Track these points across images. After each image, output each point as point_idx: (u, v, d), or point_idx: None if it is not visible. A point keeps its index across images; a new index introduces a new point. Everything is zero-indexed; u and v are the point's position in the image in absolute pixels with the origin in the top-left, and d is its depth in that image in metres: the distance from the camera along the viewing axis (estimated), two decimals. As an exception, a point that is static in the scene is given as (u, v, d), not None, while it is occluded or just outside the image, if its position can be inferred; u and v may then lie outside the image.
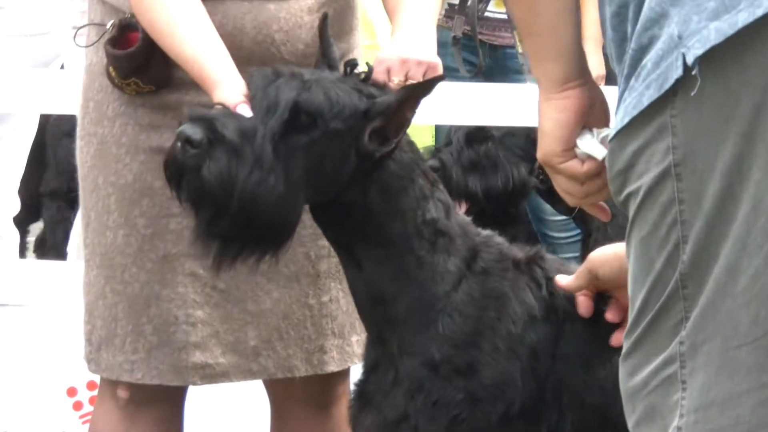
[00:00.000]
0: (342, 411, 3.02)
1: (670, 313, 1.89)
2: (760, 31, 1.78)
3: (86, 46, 2.98)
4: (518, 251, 2.78)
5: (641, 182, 1.89)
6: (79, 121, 3.00)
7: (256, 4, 2.85)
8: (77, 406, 3.85)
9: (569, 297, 2.79)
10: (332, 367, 2.97)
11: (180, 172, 2.47)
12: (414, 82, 2.72)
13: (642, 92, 1.87)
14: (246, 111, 2.48)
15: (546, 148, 2.12)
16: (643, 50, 1.90)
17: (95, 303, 2.87)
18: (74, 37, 3.14)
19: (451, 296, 2.66)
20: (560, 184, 2.19)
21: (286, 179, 2.49)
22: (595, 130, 2.08)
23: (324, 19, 2.76)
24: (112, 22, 2.80)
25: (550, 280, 2.81)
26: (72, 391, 3.83)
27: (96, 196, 2.88)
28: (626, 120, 1.86)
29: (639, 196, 1.91)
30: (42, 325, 3.89)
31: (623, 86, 1.91)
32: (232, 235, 2.52)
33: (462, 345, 2.69)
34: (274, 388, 3.05)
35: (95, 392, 3.32)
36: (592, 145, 2.08)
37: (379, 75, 2.70)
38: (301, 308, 2.93)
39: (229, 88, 2.60)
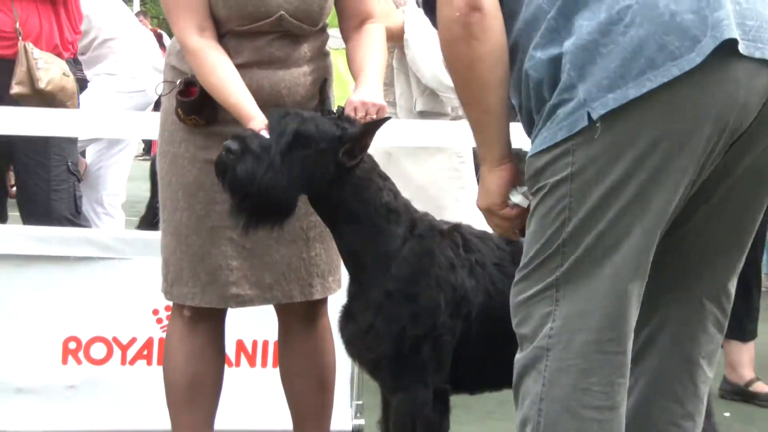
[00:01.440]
0: (324, 323, 3.84)
1: (552, 260, 2.59)
2: (642, 100, 2.42)
3: (163, 95, 3.69)
4: (443, 224, 3.55)
5: (547, 181, 2.55)
6: (158, 143, 3.76)
7: (270, 71, 3.50)
8: (159, 321, 4.53)
9: (476, 251, 3.50)
10: (317, 296, 3.72)
11: (223, 169, 3.22)
12: (370, 119, 3.38)
13: (556, 131, 2.51)
14: (266, 134, 3.21)
15: (489, 201, 2.77)
16: (556, 106, 2.50)
17: (169, 257, 3.64)
18: (155, 88, 3.66)
19: (399, 251, 3.40)
20: (494, 222, 2.84)
21: (289, 177, 3.20)
22: (518, 188, 2.71)
23: (323, 83, 3.58)
24: (180, 80, 3.53)
25: (465, 241, 3.50)
26: (155, 312, 4.53)
27: (170, 191, 3.62)
28: (544, 145, 2.53)
29: (545, 189, 2.56)
30: (138, 271, 4.54)
31: (540, 126, 2.55)
32: (253, 211, 3.23)
33: (407, 282, 3.39)
34: (281, 309, 3.81)
35: (169, 312, 3.93)
36: (519, 198, 2.70)
37: (349, 113, 3.40)
38: (298, 260, 3.66)
39: (256, 121, 3.28)
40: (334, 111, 3.44)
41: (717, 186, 2.68)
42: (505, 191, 2.74)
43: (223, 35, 3.50)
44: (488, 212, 2.81)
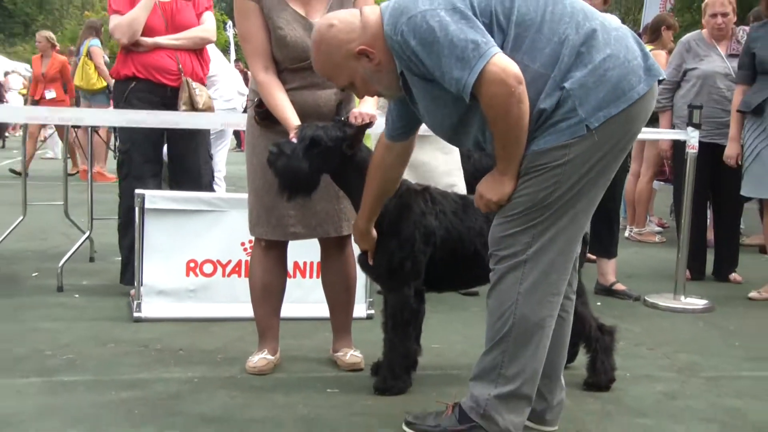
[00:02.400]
0: (349, 249, 3.85)
1: (537, 210, 2.71)
2: (618, 114, 2.64)
3: (247, 107, 3.76)
4: (418, 186, 3.51)
5: (547, 164, 2.67)
6: (245, 138, 3.76)
7: (312, 92, 3.51)
8: (245, 250, 4.56)
9: (440, 204, 3.49)
10: (345, 233, 3.73)
11: (269, 163, 3.29)
12: (362, 123, 3.39)
13: (560, 136, 2.65)
14: (295, 139, 3.27)
15: (503, 195, 2.75)
16: (559, 121, 2.64)
17: (252, 209, 3.67)
18: (242, 105, 3.82)
19: (388, 205, 3.37)
20: (485, 203, 2.81)
21: (310, 166, 3.25)
22: None
23: (339, 103, 3.57)
24: (257, 99, 3.57)
25: (432, 197, 3.49)
26: (242, 244, 4.59)
27: (251, 167, 3.64)
28: (549, 144, 2.65)
29: (544, 169, 2.68)
30: (232, 219, 4.58)
31: (540, 134, 2.65)
32: (291, 187, 3.27)
33: (394, 224, 3.40)
34: (322, 241, 3.80)
35: (252, 244, 3.85)
36: None
37: (351, 120, 3.44)
38: (332, 210, 3.68)
39: (292, 130, 3.32)
40: (343, 119, 3.42)
41: None
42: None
43: (281, 71, 3.53)
44: (496, 201, 2.79)
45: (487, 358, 2.89)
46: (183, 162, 5.05)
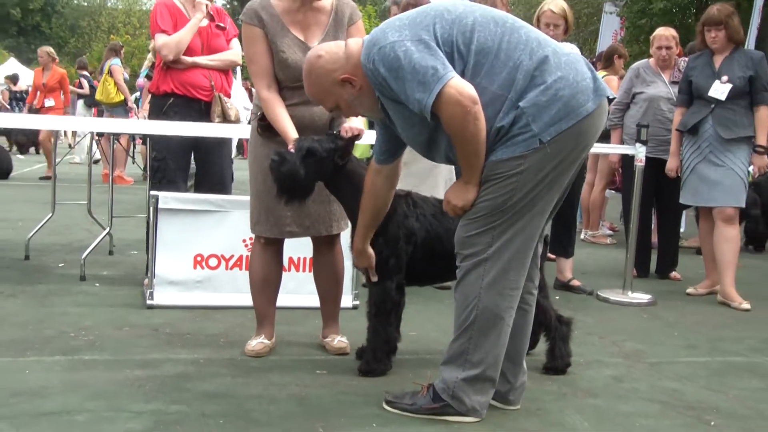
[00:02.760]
0: (338, 246, 3.81)
1: (497, 213, 2.73)
2: (568, 129, 2.65)
3: (251, 120, 3.72)
4: (401, 191, 3.44)
5: (504, 173, 2.69)
6: (248, 146, 3.72)
7: (309, 108, 3.45)
8: (246, 246, 4.53)
9: (420, 207, 3.47)
10: (335, 232, 3.72)
11: (271, 169, 3.27)
12: (351, 136, 3.34)
13: (515, 148, 2.66)
14: (293, 150, 3.25)
15: (467, 201, 2.78)
16: (515, 135, 2.65)
17: (253, 210, 3.64)
18: (248, 118, 3.80)
19: None
20: (452, 208, 2.84)
21: (306, 173, 3.22)
22: None
23: (332, 119, 3.54)
24: (259, 113, 3.54)
25: (414, 201, 3.47)
26: (244, 240, 4.54)
27: (253, 173, 3.64)
28: (506, 155, 2.67)
29: (501, 177, 2.70)
30: (235, 219, 4.55)
31: (499, 146, 2.66)
32: (288, 191, 3.26)
33: (383, 225, 3.35)
34: (315, 239, 3.77)
35: (252, 240, 3.76)
36: None
37: (342, 133, 3.38)
38: (324, 212, 3.64)
39: (290, 141, 3.30)
40: (335, 132, 3.40)
41: None
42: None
43: (282, 88, 3.50)
44: (461, 206, 2.81)
45: (455, 345, 2.89)
46: (211, 167, 5.00)
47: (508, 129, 2.67)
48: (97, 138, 7.40)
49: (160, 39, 4.79)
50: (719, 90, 5.37)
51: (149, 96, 6.52)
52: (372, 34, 2.75)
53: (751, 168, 5.47)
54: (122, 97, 10.82)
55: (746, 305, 5.31)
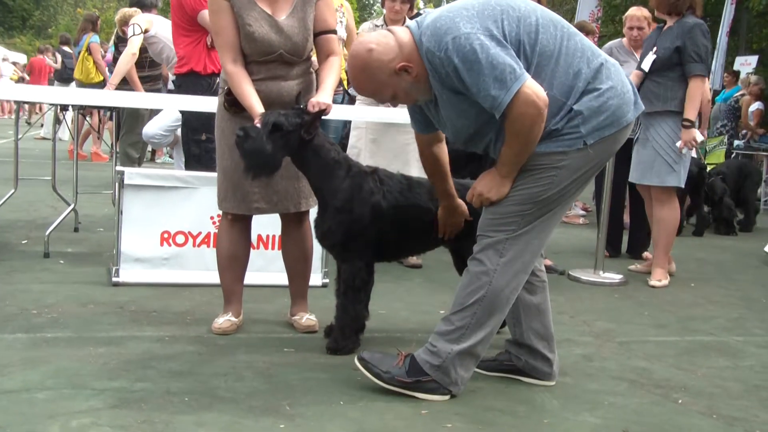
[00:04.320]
0: (306, 224, 3.79)
1: (530, 202, 2.82)
2: (611, 137, 2.81)
3: (219, 94, 3.66)
4: (368, 168, 3.50)
5: (546, 164, 2.78)
6: (216, 120, 3.68)
7: (276, 83, 3.46)
8: (213, 223, 4.55)
9: (387, 184, 3.46)
10: (303, 209, 3.72)
11: (237, 145, 3.26)
12: (318, 110, 3.30)
13: (560, 143, 2.77)
14: (259, 124, 3.23)
15: (502, 194, 2.85)
16: (564, 134, 2.76)
17: (220, 186, 3.64)
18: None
19: (341, 185, 3.37)
20: (481, 201, 2.91)
21: (272, 148, 3.20)
22: None
23: (298, 93, 3.46)
24: (226, 87, 3.52)
25: (381, 178, 3.47)
26: (212, 217, 4.56)
27: (220, 149, 3.61)
28: (550, 149, 2.77)
29: (541, 168, 2.79)
30: (202, 195, 4.54)
31: (547, 139, 2.74)
32: (255, 167, 3.22)
33: (347, 202, 3.38)
34: (283, 216, 3.77)
35: (220, 218, 3.75)
36: None
37: (309, 108, 3.33)
38: (292, 188, 3.66)
39: (257, 116, 3.28)
40: (302, 107, 3.37)
41: None
42: None
43: (249, 63, 3.48)
44: (495, 200, 2.87)
45: (455, 318, 2.92)
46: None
47: (560, 127, 2.77)
48: (81, 113, 7.42)
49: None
50: (647, 61, 5.35)
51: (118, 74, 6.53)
52: (438, 21, 2.73)
53: (679, 143, 5.28)
54: (101, 77, 10.60)
55: (656, 282, 5.35)
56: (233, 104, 3.55)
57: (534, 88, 2.63)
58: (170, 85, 6.20)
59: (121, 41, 7.67)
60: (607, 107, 2.76)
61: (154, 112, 7.64)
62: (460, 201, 3.37)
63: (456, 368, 2.92)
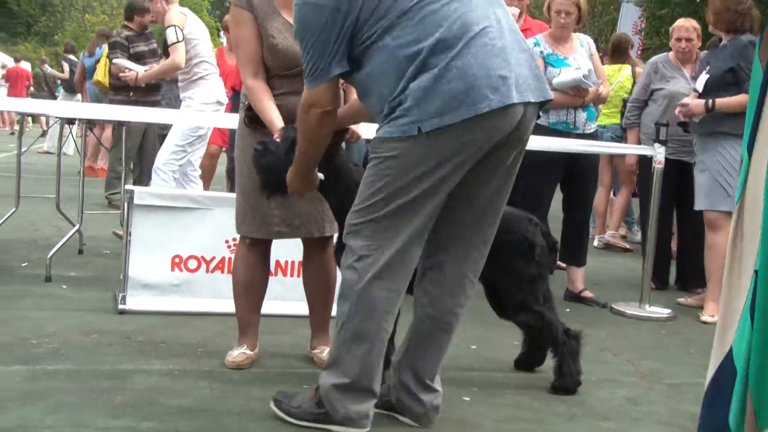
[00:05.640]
0: (330, 249, 3.77)
1: (377, 204, 2.82)
2: (451, 126, 2.67)
3: (240, 110, 3.70)
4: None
5: (383, 154, 2.77)
6: (236, 137, 3.75)
7: (296, 98, 3.20)
8: (229, 247, 4.55)
9: None
10: (327, 233, 3.72)
11: (253, 160, 3.31)
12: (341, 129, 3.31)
13: (395, 130, 2.72)
14: (278, 139, 3.28)
15: (310, 187, 3.17)
16: (398, 117, 2.71)
17: (238, 207, 3.65)
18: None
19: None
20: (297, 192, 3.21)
21: (289, 164, 3.17)
22: None
23: None
24: (246, 103, 3.57)
25: None
26: (227, 241, 4.57)
27: (240, 167, 3.64)
28: (386, 135, 2.74)
29: (380, 158, 2.78)
30: (217, 217, 4.57)
31: (385, 123, 2.75)
32: (271, 184, 3.27)
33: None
34: (305, 241, 3.80)
35: (236, 242, 3.85)
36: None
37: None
38: (315, 211, 3.65)
39: (276, 131, 3.33)
40: None
41: (478, 177, 2.89)
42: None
43: (271, 77, 3.53)
44: (310, 189, 3.19)
45: (333, 348, 2.99)
46: None
47: (395, 107, 2.72)
48: (89, 127, 7.53)
49: None
50: (701, 81, 5.33)
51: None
52: None
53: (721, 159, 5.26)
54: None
55: (708, 317, 5.23)
56: (253, 120, 3.58)
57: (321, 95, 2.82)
58: (183, 95, 6.17)
59: (118, 48, 7.71)
60: (441, 90, 2.65)
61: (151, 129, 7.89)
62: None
63: (342, 403, 2.92)
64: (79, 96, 12.95)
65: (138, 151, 8.15)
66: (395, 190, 2.79)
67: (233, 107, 5.39)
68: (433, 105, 2.66)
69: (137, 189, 4.53)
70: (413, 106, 2.67)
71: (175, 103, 7.52)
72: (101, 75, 10.48)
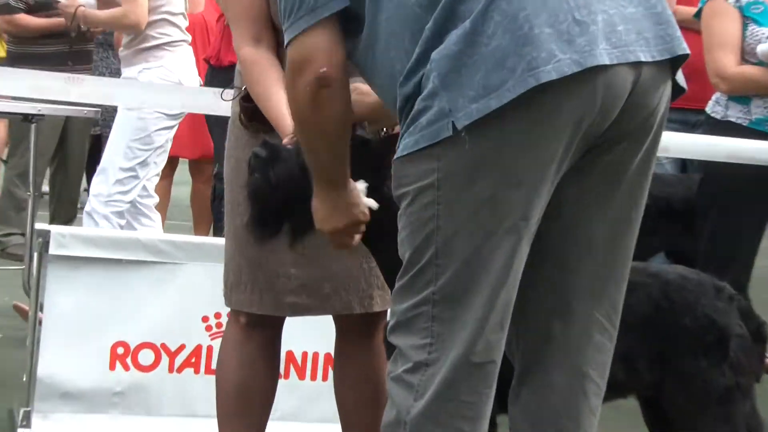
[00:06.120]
0: (381, 336, 3.61)
1: (426, 271, 2.71)
2: (504, 110, 2.55)
3: (230, 100, 3.87)
4: None
5: (411, 187, 2.69)
6: (226, 147, 3.85)
7: None
8: (208, 328, 4.64)
9: None
10: (377, 308, 3.76)
11: (250, 171, 3.27)
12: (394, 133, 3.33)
13: (418, 138, 2.63)
14: (291, 146, 3.24)
15: (354, 215, 3.05)
16: (419, 113, 2.64)
17: (229, 262, 3.74)
18: (221, 94, 3.84)
19: None
20: (343, 239, 3.09)
21: (309, 186, 3.12)
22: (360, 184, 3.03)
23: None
24: (243, 87, 3.66)
25: None
26: (205, 318, 4.64)
27: (231, 194, 3.72)
28: (407, 151, 2.65)
29: (409, 195, 2.70)
30: (188, 276, 4.65)
31: (404, 131, 2.69)
32: (272, 216, 3.26)
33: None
34: (339, 320, 3.86)
35: (219, 320, 4.26)
36: (370, 201, 3.01)
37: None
38: (358, 270, 3.70)
39: (287, 134, 3.33)
40: (365, 129, 3.42)
41: (578, 202, 2.85)
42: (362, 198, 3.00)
43: (284, 43, 3.38)
44: (352, 226, 3.04)
45: None
46: None
47: (411, 95, 2.71)
48: None
49: None
50: None
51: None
52: None
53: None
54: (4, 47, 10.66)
55: None
56: (253, 116, 3.64)
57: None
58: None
59: None
60: (479, 55, 2.59)
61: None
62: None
63: None
64: None
65: (56, 159, 8.16)
66: (447, 241, 2.71)
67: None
68: (470, 81, 2.60)
69: (55, 229, 4.54)
70: (438, 87, 2.61)
71: None
72: None
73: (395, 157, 2.73)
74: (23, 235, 7.99)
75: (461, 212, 2.68)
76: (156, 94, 5.40)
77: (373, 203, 3.05)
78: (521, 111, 2.60)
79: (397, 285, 2.82)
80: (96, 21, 6.82)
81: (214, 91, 4.92)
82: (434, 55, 2.61)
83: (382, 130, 3.46)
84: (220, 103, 4.12)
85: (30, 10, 7.61)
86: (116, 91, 5.64)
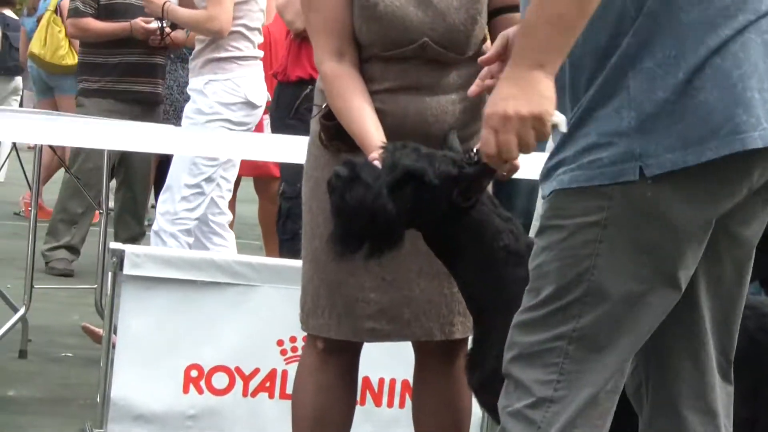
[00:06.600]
0: (461, 363, 3.69)
1: (571, 308, 2.64)
2: (699, 168, 2.51)
3: (312, 118, 3.82)
4: None
5: (574, 220, 2.63)
6: (304, 167, 3.85)
7: (416, 97, 3.58)
8: (283, 352, 4.65)
9: None
10: (458, 336, 3.73)
11: (330, 190, 3.26)
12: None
13: (595, 174, 2.58)
14: (377, 164, 3.23)
15: (545, 107, 2.54)
16: (599, 147, 2.58)
17: (306, 285, 3.73)
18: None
19: (521, 296, 3.00)
20: (510, 141, 2.57)
21: (396, 209, 3.15)
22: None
23: (448, 131, 3.51)
24: (325, 104, 3.64)
25: None
26: (280, 342, 4.66)
27: (310, 216, 3.73)
28: (574, 185, 2.59)
29: (569, 228, 2.64)
30: (264, 299, 4.66)
31: (571, 160, 2.61)
32: (355, 237, 3.21)
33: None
34: (419, 346, 3.84)
35: (294, 344, 4.28)
36: (560, 118, 2.57)
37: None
38: (439, 296, 3.69)
39: (371, 150, 3.33)
40: (456, 148, 3.43)
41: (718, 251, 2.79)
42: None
43: (367, 60, 3.61)
44: (536, 120, 2.55)
45: None
46: None
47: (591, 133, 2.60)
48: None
49: None
50: None
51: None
52: None
53: None
54: (76, 59, 10.57)
55: None
56: (335, 135, 3.61)
57: None
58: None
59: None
60: (683, 105, 2.52)
61: None
62: None
63: None
64: (19, 79, 13.02)
65: (117, 173, 8.18)
66: (602, 281, 2.66)
67: (278, 114, 5.38)
68: (668, 129, 2.54)
69: (129, 249, 4.56)
70: (633, 129, 2.55)
71: (176, 95, 7.85)
72: (38, 44, 10.58)
73: (558, 187, 2.64)
74: (68, 249, 8.07)
75: (622, 256, 2.64)
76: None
77: (561, 119, 2.69)
78: (713, 170, 2.56)
79: (525, 316, 2.75)
80: (181, 19, 6.78)
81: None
82: (637, 93, 2.54)
83: (472, 150, 3.27)
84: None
85: (97, 15, 7.63)
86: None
